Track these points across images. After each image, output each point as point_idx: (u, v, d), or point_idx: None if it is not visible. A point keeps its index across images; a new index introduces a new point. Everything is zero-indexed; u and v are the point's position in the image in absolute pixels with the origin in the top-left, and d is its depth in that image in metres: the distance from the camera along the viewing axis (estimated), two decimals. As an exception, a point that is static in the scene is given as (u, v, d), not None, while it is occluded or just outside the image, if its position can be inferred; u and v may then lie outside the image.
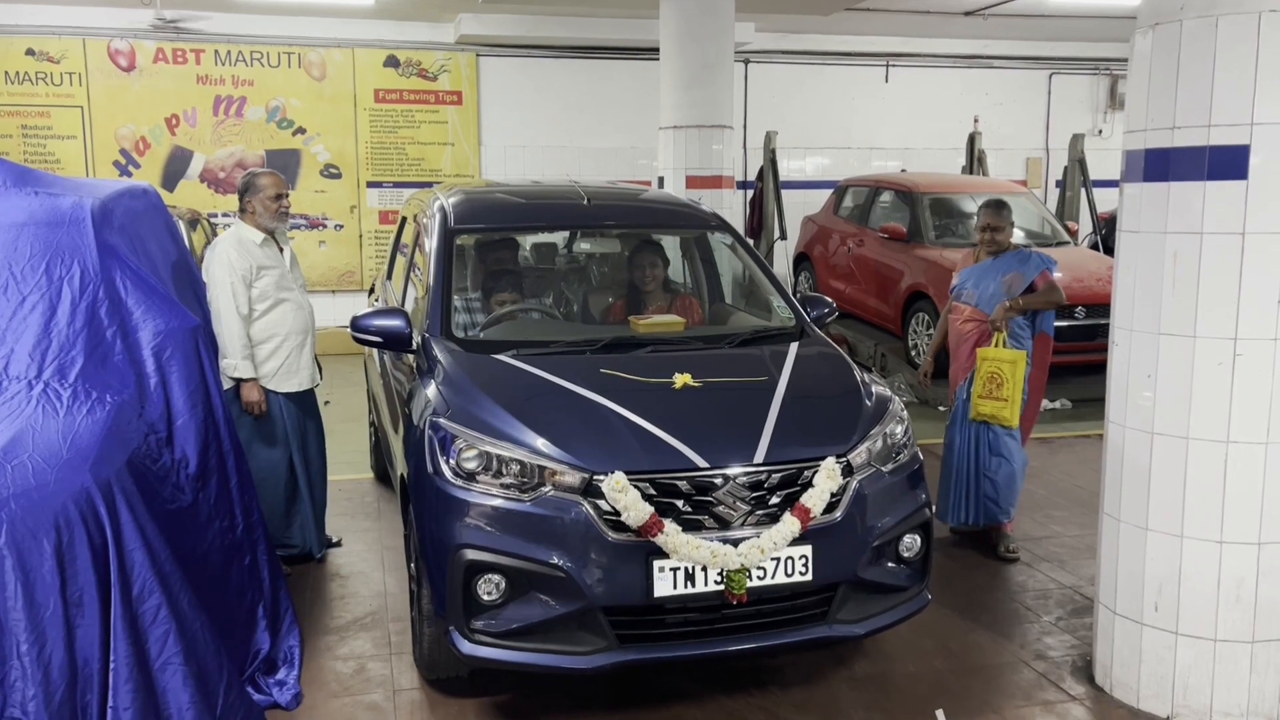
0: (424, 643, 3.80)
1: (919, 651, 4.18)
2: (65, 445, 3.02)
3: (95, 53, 10.90)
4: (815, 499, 3.44)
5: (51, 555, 2.87)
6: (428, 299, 4.35)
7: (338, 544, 5.38)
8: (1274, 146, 3.27)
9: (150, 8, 10.62)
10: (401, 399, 4.29)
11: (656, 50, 8.98)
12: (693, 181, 8.70)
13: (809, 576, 3.48)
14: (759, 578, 3.41)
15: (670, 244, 5.28)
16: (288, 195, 4.92)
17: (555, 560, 3.32)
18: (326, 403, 7.15)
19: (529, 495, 3.39)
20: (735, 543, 3.35)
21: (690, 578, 3.36)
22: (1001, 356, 5.01)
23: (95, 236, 3.49)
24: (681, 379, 3.79)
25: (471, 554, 3.36)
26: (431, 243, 4.62)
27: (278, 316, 4.82)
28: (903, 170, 12.41)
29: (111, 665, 2.96)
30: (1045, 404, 7.81)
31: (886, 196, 10.17)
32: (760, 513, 3.45)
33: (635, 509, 3.28)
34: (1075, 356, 7.94)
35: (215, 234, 7.87)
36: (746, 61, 12.52)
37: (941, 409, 7.57)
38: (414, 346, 4.23)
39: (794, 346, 4.28)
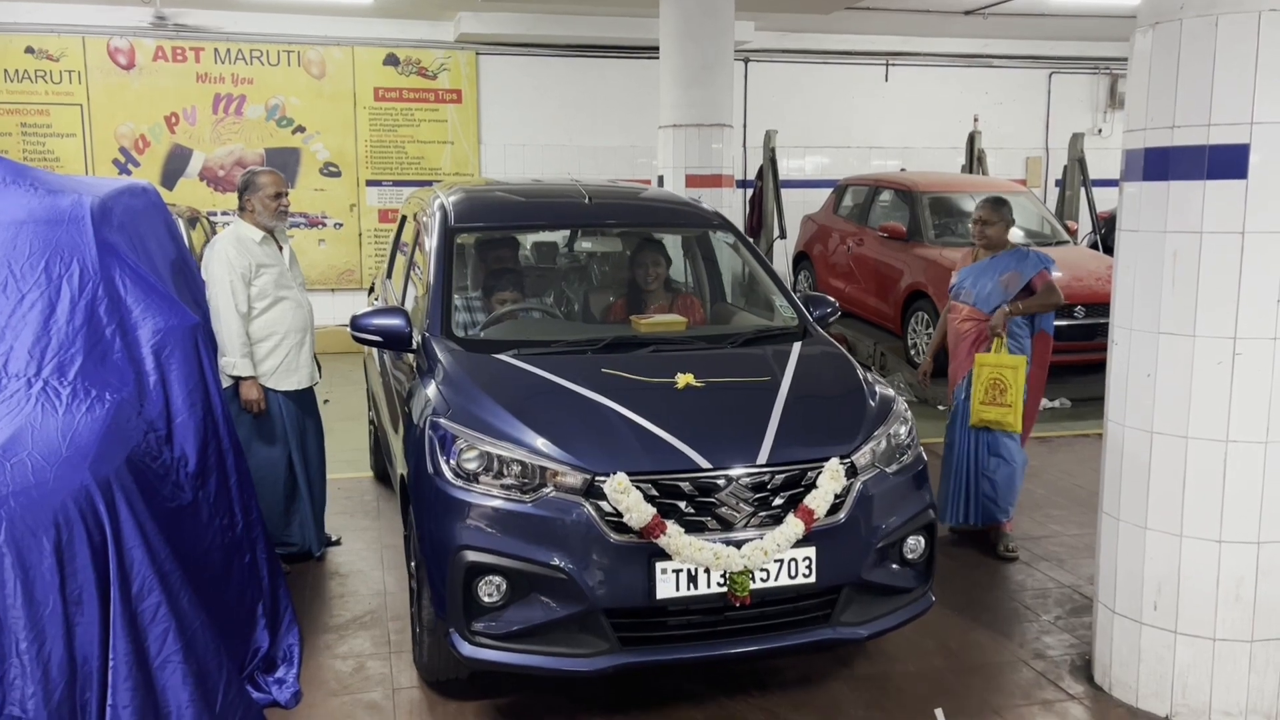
0: (424, 644, 3.78)
1: (918, 651, 4.18)
2: (64, 443, 3.03)
3: (95, 51, 10.89)
4: (819, 500, 3.42)
5: (51, 553, 2.87)
6: (428, 298, 4.33)
7: (337, 542, 5.38)
8: (1274, 146, 3.27)
9: (150, 6, 10.62)
10: (401, 398, 4.28)
11: (656, 49, 8.98)
12: (692, 180, 8.69)
13: (812, 578, 3.46)
14: (762, 580, 3.38)
15: (672, 243, 5.26)
16: (287, 194, 4.92)
17: (557, 562, 3.29)
18: (326, 401, 7.15)
19: (530, 496, 3.36)
20: (738, 544, 3.32)
21: (693, 580, 3.34)
22: (1004, 362, 4.99)
23: (95, 234, 3.49)
24: (684, 379, 3.77)
25: (472, 555, 3.33)
26: (432, 241, 4.59)
27: (277, 315, 4.82)
28: (902, 169, 12.41)
29: (111, 663, 2.96)
30: (1045, 403, 7.81)
31: (886, 196, 10.17)
32: (763, 514, 3.42)
33: (637, 510, 3.25)
34: (1075, 356, 7.94)
35: (215, 232, 7.86)
36: (746, 60, 12.52)
37: (941, 408, 7.57)
38: (414, 346, 4.20)
39: (797, 346, 4.26)
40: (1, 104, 10.78)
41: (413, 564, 3.92)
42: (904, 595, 3.72)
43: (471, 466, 3.44)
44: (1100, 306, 7.82)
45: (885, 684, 3.94)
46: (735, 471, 3.42)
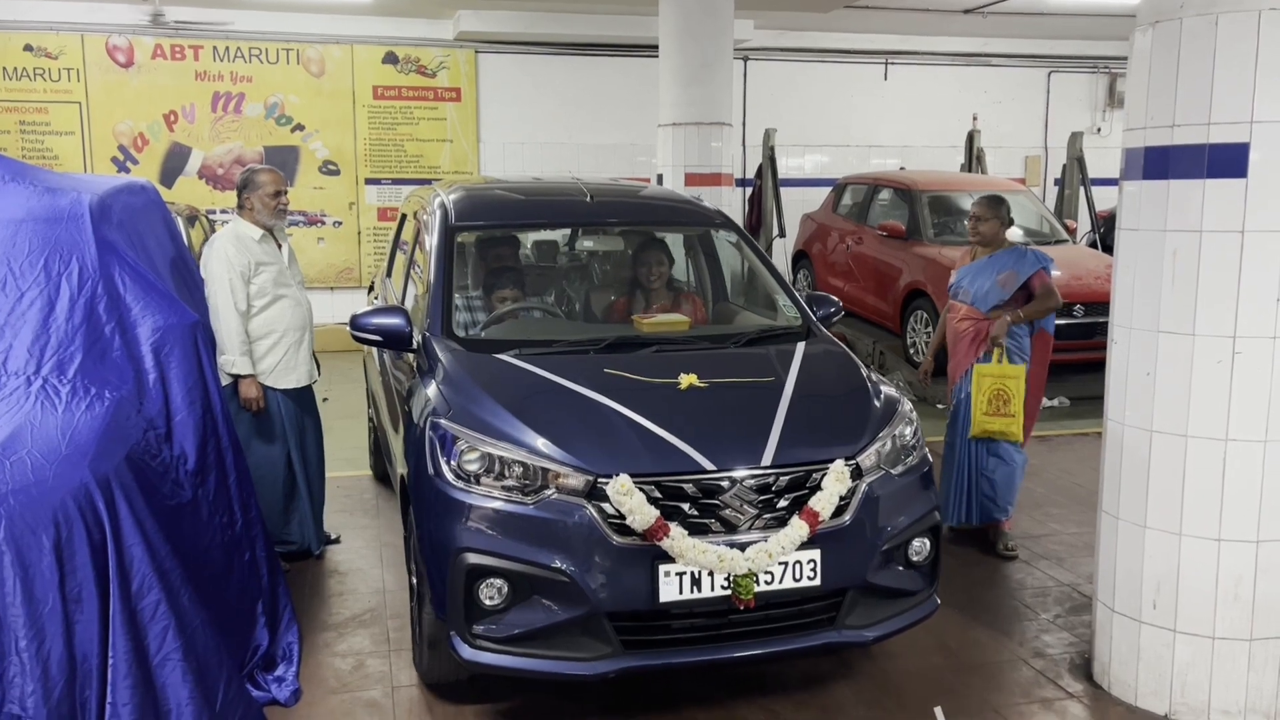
0: (424, 647, 3.74)
1: (918, 649, 4.18)
2: (64, 441, 3.02)
3: (93, 49, 10.88)
4: (824, 502, 3.38)
5: (50, 551, 2.87)
6: (428, 297, 4.29)
7: (336, 540, 5.38)
8: (1273, 145, 3.27)
9: (149, 3, 10.62)
10: (401, 398, 4.25)
11: (655, 47, 8.98)
12: (691, 179, 8.69)
13: (817, 581, 3.42)
14: (766, 583, 3.34)
15: (674, 242, 5.23)
16: (286, 192, 4.91)
17: (559, 564, 3.26)
18: (325, 399, 7.15)
19: (532, 498, 3.33)
20: (742, 547, 3.29)
21: (696, 583, 3.31)
22: (1007, 373, 4.98)
23: (94, 232, 3.49)
24: (687, 379, 3.73)
25: (473, 558, 3.30)
26: (432, 240, 4.56)
27: (276, 313, 4.82)
28: (901, 168, 12.41)
29: (110, 661, 2.96)
30: (1044, 402, 7.82)
31: (885, 194, 10.18)
32: (768, 516, 3.39)
33: (640, 512, 3.21)
34: (1074, 355, 7.94)
35: (213, 230, 7.86)
36: (746, 59, 12.52)
37: (940, 407, 7.58)
38: (414, 346, 4.17)
39: (801, 346, 4.22)
40: (0, 101, 10.77)
41: (413, 566, 3.88)
42: (909, 598, 3.68)
43: (472, 468, 3.40)
44: (1099, 305, 7.82)
45: (885, 683, 3.94)
46: (739, 473, 3.39)
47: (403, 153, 11.83)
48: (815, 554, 3.40)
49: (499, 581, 3.31)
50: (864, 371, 4.13)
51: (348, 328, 4.25)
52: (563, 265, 5.58)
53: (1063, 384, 8.26)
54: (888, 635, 3.63)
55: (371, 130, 11.71)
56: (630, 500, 3.22)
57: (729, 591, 3.32)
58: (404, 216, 5.86)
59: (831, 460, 3.48)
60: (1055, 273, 5.26)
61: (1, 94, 10.76)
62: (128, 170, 11.02)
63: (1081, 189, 11.25)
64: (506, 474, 3.37)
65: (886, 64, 13.22)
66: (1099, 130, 13.80)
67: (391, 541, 5.31)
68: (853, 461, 3.53)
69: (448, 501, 3.39)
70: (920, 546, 3.68)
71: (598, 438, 3.44)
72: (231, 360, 4.62)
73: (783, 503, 3.41)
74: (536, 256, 5.70)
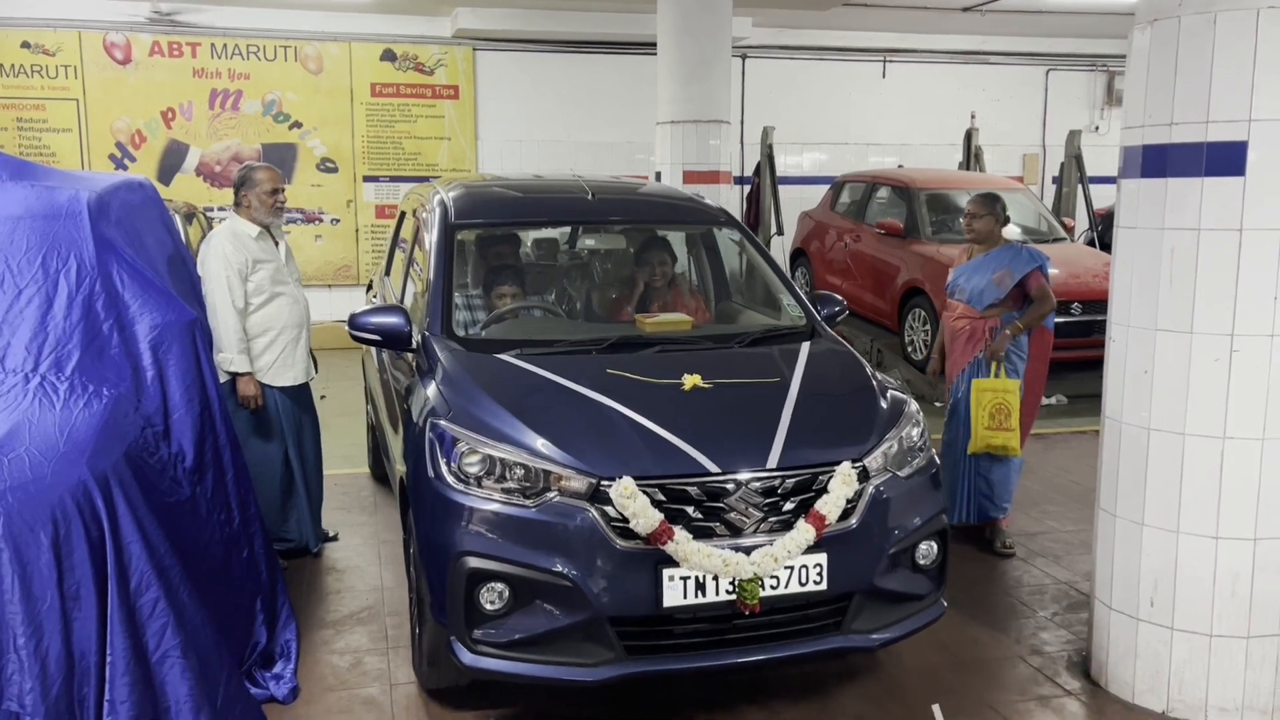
0: (423, 652, 3.68)
1: (915, 647, 4.17)
2: (62, 438, 3.02)
3: (91, 46, 10.86)
4: (830, 505, 3.33)
5: (48, 548, 2.87)
6: (428, 297, 4.24)
7: (334, 538, 5.38)
8: (1271, 143, 3.27)
9: (147, 0, 10.59)
10: (400, 397, 4.20)
11: (653, 45, 8.97)
12: (690, 177, 8.69)
13: (823, 585, 3.37)
14: (772, 587, 3.30)
15: (676, 240, 5.17)
16: (283, 190, 4.90)
17: (561, 569, 3.21)
18: (323, 397, 7.14)
19: (533, 501, 3.28)
20: (747, 551, 3.24)
21: (701, 587, 3.26)
22: (1008, 387, 4.98)
23: (92, 229, 3.49)
24: (691, 380, 3.68)
25: (474, 562, 3.25)
26: (431, 238, 4.51)
27: (273, 310, 4.81)
28: (899, 166, 12.41)
29: (109, 658, 2.96)
30: (1042, 400, 7.83)
31: (883, 192, 10.18)
32: (773, 519, 3.34)
33: (644, 516, 3.17)
34: (1072, 352, 7.94)
35: (211, 227, 7.85)
36: (744, 56, 12.51)
37: (938, 405, 7.58)
38: (414, 345, 4.12)
39: (805, 346, 4.17)
40: (-3, 99, 10.77)
41: (412, 569, 3.81)
42: (916, 602, 3.63)
43: (473, 470, 3.35)
44: (1097, 303, 7.82)
45: (883, 680, 3.94)
46: (744, 476, 3.34)
47: (401, 150, 11.82)
48: (821, 558, 3.35)
49: (500, 586, 3.26)
50: (869, 371, 4.08)
51: (346, 326, 4.21)
52: (564, 264, 5.51)
53: (1060, 382, 8.26)
54: (894, 640, 3.58)
55: (369, 128, 11.70)
56: (634, 503, 3.18)
57: (734, 596, 3.26)
58: (403, 214, 5.82)
59: (838, 462, 3.42)
60: (1053, 271, 5.27)
61: (-1, 91, 10.76)
62: (125, 167, 11.01)
63: (1079, 187, 11.25)
64: (507, 476, 3.33)
65: (885, 62, 13.21)
66: (1097, 128, 13.79)
67: (389, 539, 5.31)
68: (859, 464, 3.48)
69: (448, 504, 3.35)
70: (927, 550, 3.63)
71: (600, 439, 3.39)
72: (229, 358, 4.62)
73: (788, 506, 3.36)
74: (537, 255, 5.64)
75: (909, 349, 8.96)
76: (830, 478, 3.40)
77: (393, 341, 4.15)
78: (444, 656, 3.45)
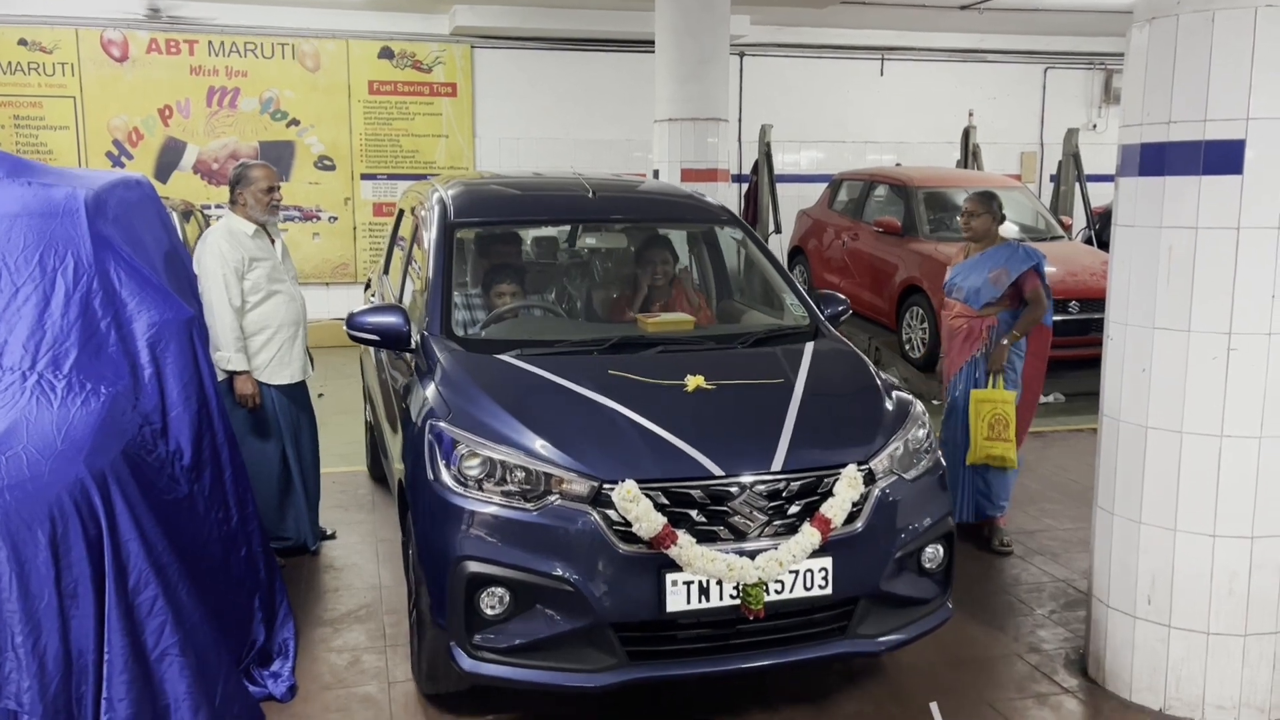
0: (422, 656, 3.64)
1: (913, 645, 4.16)
2: (59, 436, 3.02)
3: (88, 43, 10.84)
4: (836, 509, 3.29)
5: (46, 546, 2.87)
6: (427, 296, 4.19)
7: (332, 536, 5.38)
8: (1269, 141, 3.28)
9: (143, -3, 10.59)
10: (399, 397, 4.16)
11: (651, 43, 8.97)
12: (687, 175, 8.69)
13: (829, 590, 3.33)
14: (776, 592, 3.26)
15: (677, 238, 5.12)
16: (279, 188, 4.89)
17: (562, 573, 3.16)
18: (320, 395, 7.14)
19: (535, 504, 3.23)
20: (752, 555, 3.20)
21: (704, 592, 3.21)
22: (1006, 399, 4.98)
23: (89, 227, 3.48)
24: (694, 381, 3.63)
25: (474, 566, 3.20)
26: (430, 237, 4.46)
27: (270, 308, 4.81)
28: (897, 164, 12.41)
29: (106, 656, 2.96)
30: (1040, 398, 7.84)
31: (881, 190, 10.18)
32: (778, 523, 3.29)
33: (647, 519, 3.12)
34: (1069, 350, 7.95)
35: (209, 225, 7.84)
36: (741, 54, 12.51)
37: (935, 403, 7.58)
38: (413, 345, 4.07)
39: (809, 346, 4.12)
40: (-6, 96, 10.76)
41: (411, 572, 3.76)
42: (922, 606, 3.59)
43: (473, 473, 3.31)
44: (1095, 302, 7.84)
45: (881, 678, 3.94)
46: (749, 479, 3.29)
47: (398, 148, 11.81)
48: (827, 562, 3.31)
49: (500, 591, 3.22)
50: (875, 372, 4.03)
51: (344, 326, 4.16)
52: (564, 263, 5.45)
53: (1058, 380, 8.27)
54: (900, 645, 3.54)
55: (367, 125, 11.69)
56: (636, 507, 3.13)
57: (738, 601, 3.22)
58: (401, 212, 5.78)
59: (843, 465, 3.38)
60: (1050, 269, 5.27)
61: (-4, 88, 10.74)
62: (122, 165, 10.99)
63: (1077, 185, 11.26)
64: (508, 479, 3.28)
65: (882, 60, 13.21)
66: (1095, 126, 13.80)
67: (387, 537, 5.31)
68: (865, 466, 3.43)
69: (447, 507, 3.30)
70: (934, 553, 3.59)
71: (602, 442, 3.35)
72: (226, 356, 4.61)
73: (793, 509, 3.32)
74: (537, 253, 5.57)
75: (906, 347, 8.96)
76: (836, 480, 3.35)
77: (391, 341, 4.10)
78: (443, 661, 3.41)
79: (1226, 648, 3.57)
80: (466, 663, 3.27)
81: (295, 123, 11.49)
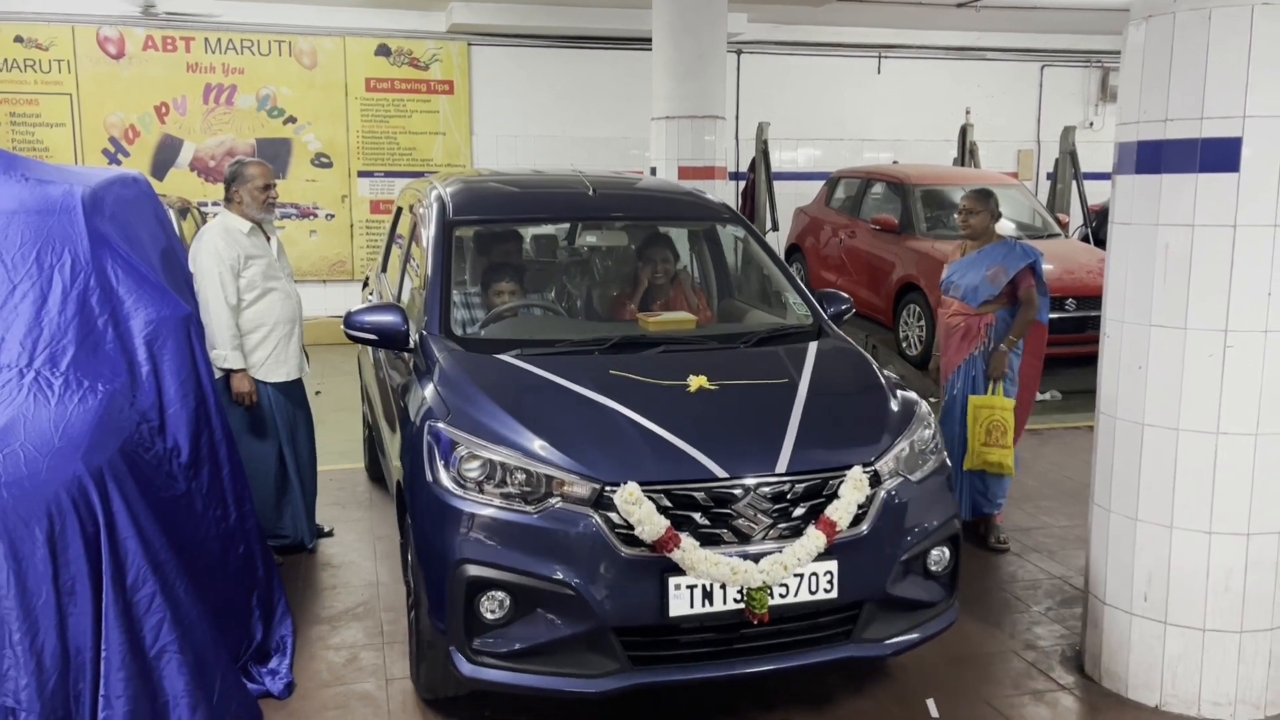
0: (421, 661, 3.60)
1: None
2: (57, 434, 3.02)
3: (84, 40, 10.83)
4: (841, 511, 3.23)
5: (44, 543, 2.88)
6: (426, 295, 4.14)
7: (329, 534, 5.38)
8: (1266, 139, 3.28)
9: (140, -5, 10.58)
10: (397, 395, 4.12)
11: (648, 40, 8.97)
12: (685, 172, 8.69)
13: (834, 594, 3.27)
14: (781, 595, 3.20)
15: (678, 236, 5.06)
16: (275, 185, 4.88)
17: (563, 577, 3.11)
18: (318, 393, 7.14)
19: (535, 507, 3.18)
20: (756, 558, 3.15)
21: (708, 596, 3.16)
22: (1006, 405, 4.98)
23: (86, 224, 3.48)
24: (697, 381, 3.58)
25: (474, 570, 3.15)
26: (429, 235, 4.40)
27: (266, 306, 4.80)
28: (894, 162, 12.42)
29: (104, 653, 2.96)
30: (1037, 395, 7.85)
31: (878, 188, 10.19)
32: (782, 526, 3.24)
33: (650, 522, 3.07)
34: (1066, 348, 7.96)
35: (205, 222, 7.84)
36: (739, 52, 12.51)
37: (932, 400, 7.59)
38: (411, 345, 4.03)
39: (813, 345, 4.07)
40: (-10, 93, 10.74)
41: (410, 576, 3.69)
42: (928, 609, 3.53)
43: (473, 475, 3.26)
44: (1091, 299, 7.85)
45: (877, 674, 3.94)
46: (753, 481, 3.24)
47: (395, 145, 11.81)
48: (832, 565, 3.26)
49: (501, 594, 3.17)
50: (879, 371, 3.98)
51: (342, 325, 4.11)
52: (564, 261, 5.37)
53: (1055, 377, 8.28)
54: (905, 649, 3.49)
55: (364, 123, 11.68)
56: (639, 510, 3.08)
57: (742, 605, 3.18)
58: (400, 210, 5.75)
59: (849, 466, 3.33)
60: (1047, 267, 5.28)
61: (-8, 85, 10.73)
62: (119, 162, 10.98)
63: (1074, 183, 11.28)
64: (508, 481, 3.23)
65: (879, 58, 13.22)
66: (1091, 124, 13.83)
67: (385, 534, 5.31)
68: (871, 468, 3.38)
69: (447, 510, 3.25)
70: (940, 556, 3.53)
71: (604, 444, 3.30)
72: (223, 354, 4.60)
73: (798, 511, 3.27)
74: (536, 252, 5.50)
75: (904, 345, 8.97)
76: (841, 482, 3.31)
77: (390, 341, 4.05)
78: (442, 666, 3.36)
79: (1222, 644, 3.57)
80: (466, 668, 3.21)
81: (292, 120, 11.48)
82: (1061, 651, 4.15)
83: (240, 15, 11.07)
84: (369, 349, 5.28)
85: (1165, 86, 3.43)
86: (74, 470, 2.96)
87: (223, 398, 4.44)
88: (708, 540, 3.18)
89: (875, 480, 3.39)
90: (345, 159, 11.69)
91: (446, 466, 3.32)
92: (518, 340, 4.04)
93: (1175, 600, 3.60)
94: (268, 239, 4.90)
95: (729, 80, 10.76)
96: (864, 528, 3.34)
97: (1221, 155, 3.33)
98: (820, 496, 3.30)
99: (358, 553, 5.18)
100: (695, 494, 3.21)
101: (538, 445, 3.28)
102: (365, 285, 6.79)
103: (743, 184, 12.17)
